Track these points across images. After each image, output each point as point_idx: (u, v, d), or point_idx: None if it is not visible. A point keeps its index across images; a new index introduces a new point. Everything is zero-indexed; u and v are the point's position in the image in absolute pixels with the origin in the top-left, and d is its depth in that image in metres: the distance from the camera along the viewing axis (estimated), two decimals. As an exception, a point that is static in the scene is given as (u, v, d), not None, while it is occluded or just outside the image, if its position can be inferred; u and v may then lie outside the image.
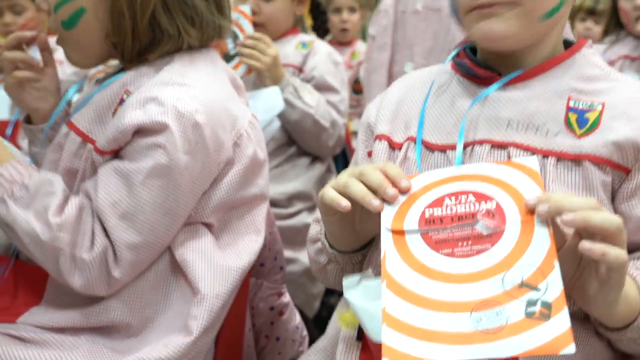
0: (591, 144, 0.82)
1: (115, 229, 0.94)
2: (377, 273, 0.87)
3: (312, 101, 1.74)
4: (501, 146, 0.86)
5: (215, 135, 0.98)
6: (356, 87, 2.65)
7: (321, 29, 2.06)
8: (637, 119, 0.83)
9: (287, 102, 1.72)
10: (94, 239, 0.95)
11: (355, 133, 2.61)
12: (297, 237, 1.73)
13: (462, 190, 0.75)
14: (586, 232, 0.67)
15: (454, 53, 0.97)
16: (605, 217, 0.66)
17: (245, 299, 1.12)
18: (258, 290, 1.18)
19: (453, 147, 0.89)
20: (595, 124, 0.84)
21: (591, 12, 2.99)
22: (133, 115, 0.94)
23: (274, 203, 1.69)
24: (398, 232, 0.73)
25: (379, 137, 0.97)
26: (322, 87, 1.80)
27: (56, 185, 0.97)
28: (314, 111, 1.73)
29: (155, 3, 0.98)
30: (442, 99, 0.94)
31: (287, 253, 1.54)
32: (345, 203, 0.77)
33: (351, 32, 3.00)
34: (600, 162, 0.81)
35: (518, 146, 0.85)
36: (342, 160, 2.02)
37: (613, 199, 0.84)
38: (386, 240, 0.73)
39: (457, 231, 0.71)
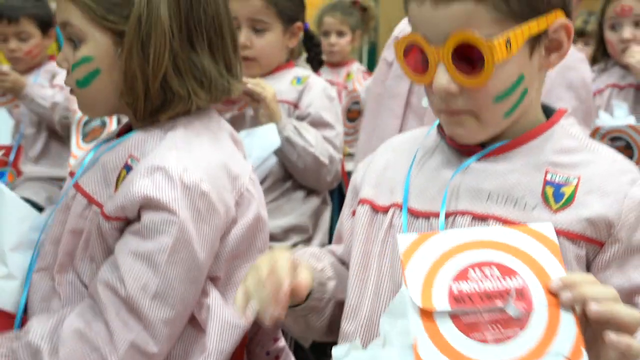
0: (565, 220, 0.88)
1: (150, 310, 0.98)
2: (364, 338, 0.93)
3: (312, 139, 1.79)
4: (482, 218, 0.92)
5: (222, 198, 1.04)
6: (350, 116, 2.71)
7: (315, 61, 2.11)
8: (610, 194, 0.89)
9: (289, 140, 1.77)
10: (114, 340, 0.97)
11: (350, 154, 2.67)
12: (293, 269, 1.78)
13: (485, 262, 0.75)
14: (608, 323, 0.71)
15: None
16: (629, 313, 0.71)
17: (243, 346, 1.17)
18: (254, 335, 1.24)
19: (436, 215, 0.94)
20: (570, 198, 0.90)
21: (581, 34, 3.05)
22: (141, 184, 0.99)
23: (270, 237, 1.74)
24: (427, 313, 0.72)
25: (362, 201, 1.04)
26: (318, 124, 1.84)
27: (31, 334, 1.00)
28: (314, 149, 1.78)
29: (167, 66, 1.04)
30: (427, 166, 1.00)
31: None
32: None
33: (340, 54, 3.07)
34: (574, 238, 0.87)
35: (498, 219, 0.91)
36: (338, 192, 2.07)
37: (588, 268, 0.90)
38: (416, 324, 0.72)
39: (487, 314, 0.72)
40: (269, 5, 1.84)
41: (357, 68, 3.13)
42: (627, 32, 2.21)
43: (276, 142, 1.77)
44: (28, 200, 2.34)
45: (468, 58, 0.86)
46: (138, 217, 1.01)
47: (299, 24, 1.92)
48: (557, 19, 0.89)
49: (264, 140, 1.76)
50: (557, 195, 0.91)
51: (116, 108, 1.12)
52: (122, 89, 1.06)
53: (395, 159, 1.05)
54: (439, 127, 1.01)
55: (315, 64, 2.09)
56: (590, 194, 0.89)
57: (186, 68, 1.05)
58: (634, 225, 0.88)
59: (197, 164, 1.02)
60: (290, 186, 1.89)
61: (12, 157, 2.44)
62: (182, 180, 0.99)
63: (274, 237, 1.78)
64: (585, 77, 1.77)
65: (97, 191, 1.07)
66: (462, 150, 0.97)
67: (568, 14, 0.91)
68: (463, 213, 0.93)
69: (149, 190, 0.98)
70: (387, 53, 1.65)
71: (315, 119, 1.85)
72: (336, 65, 3.10)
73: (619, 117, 2.24)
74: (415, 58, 0.93)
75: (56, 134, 2.50)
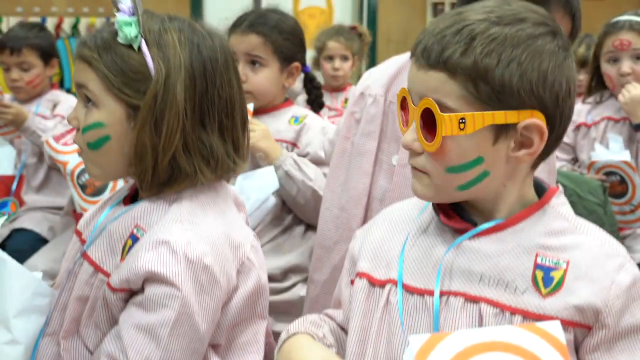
0: (554, 306, 0.91)
1: None
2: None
3: (312, 173, 1.81)
4: (474, 300, 0.94)
5: (224, 270, 1.06)
6: None
7: (316, 103, 2.12)
8: (597, 281, 0.91)
9: (288, 174, 1.79)
10: None
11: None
12: (291, 309, 1.81)
13: None
14: None
15: None
16: None
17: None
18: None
19: (431, 293, 0.97)
20: (559, 284, 0.93)
21: (583, 64, 2.99)
22: (146, 258, 1.01)
23: (268, 278, 1.77)
24: None
25: (360, 275, 1.06)
26: (318, 162, 1.87)
27: None
28: (313, 183, 1.81)
29: (177, 145, 1.05)
30: (421, 242, 1.03)
31: (282, 326, 1.62)
32: None
33: (343, 78, 3.09)
34: (563, 324, 0.89)
35: (489, 302, 0.93)
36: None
37: (576, 350, 0.93)
38: None
39: None
40: (266, 42, 1.88)
41: None
42: (626, 65, 2.23)
43: (274, 184, 1.80)
44: (31, 232, 2.40)
45: (433, 124, 0.90)
46: (142, 289, 1.03)
47: (296, 64, 1.94)
48: (531, 117, 0.90)
49: (262, 183, 1.79)
50: (546, 280, 0.93)
51: (123, 174, 1.14)
52: (132, 160, 1.07)
53: (391, 232, 1.08)
54: (434, 203, 1.04)
55: (316, 106, 2.11)
56: (578, 279, 0.92)
57: (195, 147, 1.07)
58: (620, 310, 0.91)
59: (201, 236, 1.05)
60: (290, 222, 1.92)
61: (14, 186, 2.48)
62: (185, 254, 1.01)
63: (273, 278, 1.80)
64: None
65: (104, 260, 1.09)
66: (455, 229, 1.00)
67: (550, 116, 0.92)
68: (456, 294, 0.95)
69: (154, 264, 1.00)
70: (356, 109, 1.59)
71: (315, 158, 1.87)
72: (335, 90, 3.13)
73: (614, 150, 2.27)
74: (406, 111, 0.98)
75: (57, 164, 2.53)
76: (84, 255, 1.12)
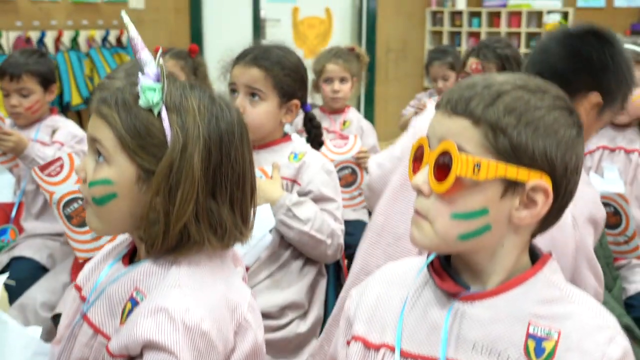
0: None
1: None
2: None
3: (309, 215, 1.83)
4: None
5: (221, 333, 1.07)
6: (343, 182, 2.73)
7: (315, 142, 2.13)
8: (588, 353, 0.93)
9: (283, 223, 1.82)
10: None
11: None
12: (288, 346, 1.83)
13: None
14: None
15: (431, 258, 1.07)
16: None
17: None
18: None
19: (426, 359, 1.00)
20: (551, 354, 0.94)
21: None
22: (145, 326, 1.02)
23: (265, 315, 1.79)
24: None
25: (355, 338, 1.08)
26: (319, 199, 1.89)
27: None
28: (309, 227, 1.82)
29: (189, 214, 1.06)
30: (417, 306, 1.04)
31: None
32: None
33: (342, 100, 3.11)
34: None
35: None
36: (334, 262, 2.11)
37: None
38: None
39: None
40: (267, 76, 1.89)
41: (355, 117, 3.17)
42: None
43: (271, 222, 1.82)
44: (30, 260, 2.41)
45: (448, 168, 0.94)
46: (140, 355, 1.04)
47: (296, 101, 1.95)
48: (540, 179, 0.94)
49: (259, 220, 1.79)
50: (538, 350, 0.95)
51: (125, 232, 1.15)
52: (140, 223, 1.08)
53: (387, 295, 1.09)
54: (429, 266, 1.06)
55: (316, 145, 2.12)
56: (569, 351, 0.94)
57: (205, 216, 1.07)
58: None
59: (199, 301, 1.06)
60: (287, 258, 1.92)
61: (13, 214, 2.49)
62: (183, 321, 1.02)
63: (269, 316, 1.82)
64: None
65: (104, 322, 1.11)
66: (449, 292, 1.01)
67: (557, 184, 0.96)
68: None
69: (152, 333, 1.02)
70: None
71: (317, 195, 1.89)
72: (334, 112, 3.14)
73: (610, 179, 2.29)
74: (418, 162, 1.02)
75: (57, 189, 2.53)
76: (85, 318, 1.14)
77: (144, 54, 1.08)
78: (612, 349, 0.94)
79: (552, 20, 7.04)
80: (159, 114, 1.06)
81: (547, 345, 0.95)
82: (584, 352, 0.93)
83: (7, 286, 2.29)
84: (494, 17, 7.41)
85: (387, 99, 7.13)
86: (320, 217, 1.85)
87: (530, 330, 0.96)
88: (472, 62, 2.62)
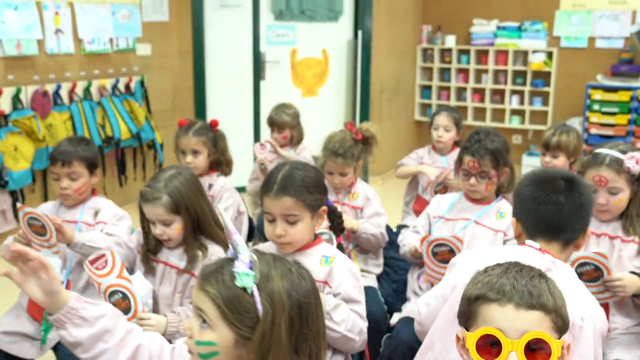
0: None
1: None
2: None
3: (342, 317, 2.09)
4: None
5: None
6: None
7: (337, 229, 2.42)
8: None
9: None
10: None
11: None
12: None
13: None
14: None
15: None
16: None
17: None
18: None
19: None
20: None
21: (547, 147, 3.46)
22: None
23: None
24: None
25: None
26: (348, 300, 2.16)
27: None
28: (342, 328, 2.09)
29: None
30: None
31: None
32: None
33: (343, 187, 3.27)
34: None
35: None
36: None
37: None
38: None
39: None
40: (297, 201, 2.16)
41: (362, 188, 3.30)
42: (602, 198, 2.54)
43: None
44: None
45: (532, 349, 1.27)
46: None
47: (324, 207, 2.24)
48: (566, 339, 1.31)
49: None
50: None
51: None
52: None
53: None
54: None
55: (337, 231, 2.40)
56: None
57: None
58: None
59: None
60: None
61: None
62: None
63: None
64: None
65: None
66: None
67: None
68: None
69: None
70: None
71: (346, 297, 2.16)
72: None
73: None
74: (485, 343, 1.31)
75: (99, 263, 2.76)
76: None
77: (236, 238, 1.36)
78: None
79: (537, 60, 7.35)
80: (252, 292, 1.33)
81: None
82: None
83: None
84: (482, 55, 7.74)
85: (380, 135, 7.37)
86: (352, 319, 2.13)
87: None
88: (469, 161, 2.85)
